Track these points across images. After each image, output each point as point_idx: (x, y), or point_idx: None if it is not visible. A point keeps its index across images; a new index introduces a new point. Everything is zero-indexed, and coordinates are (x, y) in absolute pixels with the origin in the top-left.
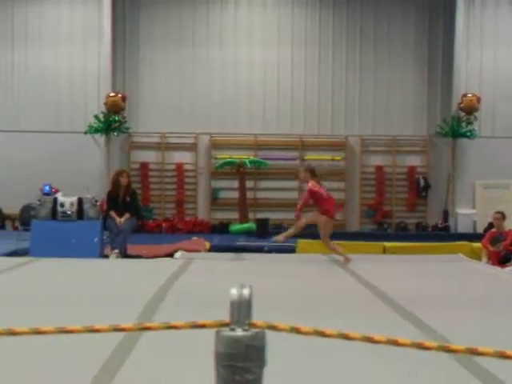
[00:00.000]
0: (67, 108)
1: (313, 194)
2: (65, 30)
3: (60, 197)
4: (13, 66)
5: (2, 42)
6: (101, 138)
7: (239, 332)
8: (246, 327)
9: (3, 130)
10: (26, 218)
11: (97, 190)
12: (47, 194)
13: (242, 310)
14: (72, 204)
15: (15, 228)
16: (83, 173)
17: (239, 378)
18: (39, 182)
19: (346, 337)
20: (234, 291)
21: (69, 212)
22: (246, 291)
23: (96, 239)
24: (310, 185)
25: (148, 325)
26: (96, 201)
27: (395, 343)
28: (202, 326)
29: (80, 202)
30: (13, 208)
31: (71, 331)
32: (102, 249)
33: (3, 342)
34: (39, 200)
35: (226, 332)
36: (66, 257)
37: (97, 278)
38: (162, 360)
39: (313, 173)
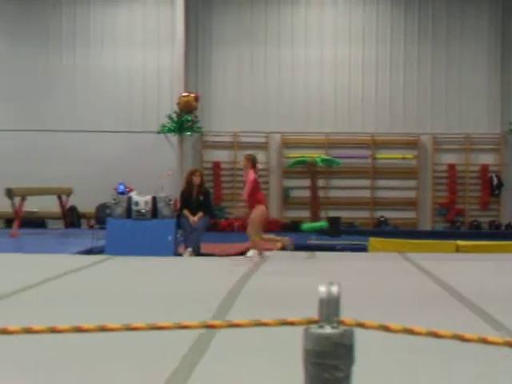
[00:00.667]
0: (140, 108)
1: (255, 183)
2: (138, 31)
3: (135, 196)
4: (88, 68)
5: (79, 45)
6: (174, 138)
7: (328, 329)
8: (335, 325)
9: (77, 130)
10: (101, 216)
11: (170, 189)
12: (121, 193)
13: (330, 307)
14: (146, 203)
15: (90, 226)
16: (156, 172)
17: (328, 375)
18: (114, 181)
19: (435, 335)
20: (322, 289)
21: (143, 211)
22: (334, 289)
23: (170, 238)
24: (253, 174)
25: (236, 322)
26: (170, 200)
27: (485, 341)
28: (291, 324)
29: (154, 200)
30: (88, 207)
31: (162, 327)
32: (176, 247)
33: (96, 337)
34: (114, 199)
35: (315, 329)
36: (140, 255)
37: (171, 276)
38: (243, 357)
39: (253, 163)
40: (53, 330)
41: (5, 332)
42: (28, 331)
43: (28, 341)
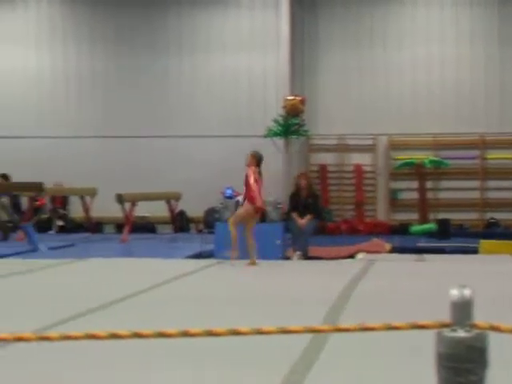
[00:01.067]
0: (246, 112)
1: (253, 183)
2: (245, 35)
3: (242, 200)
4: (195, 73)
5: (186, 50)
6: (280, 141)
7: (461, 333)
8: (468, 328)
9: (186, 136)
10: (209, 220)
11: (277, 192)
12: (229, 198)
13: (463, 310)
14: None
15: (199, 231)
16: (263, 176)
17: (462, 379)
18: (221, 185)
19: None
20: (454, 292)
21: None
22: (467, 292)
23: (278, 241)
24: (250, 171)
25: (369, 325)
26: (278, 203)
27: None
28: (423, 327)
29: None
30: (196, 211)
31: (265, 332)
32: (284, 250)
33: (203, 342)
34: (222, 203)
35: (448, 333)
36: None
37: (280, 279)
38: (374, 359)
39: (258, 160)
40: (161, 335)
41: (115, 336)
42: (137, 335)
43: (138, 344)
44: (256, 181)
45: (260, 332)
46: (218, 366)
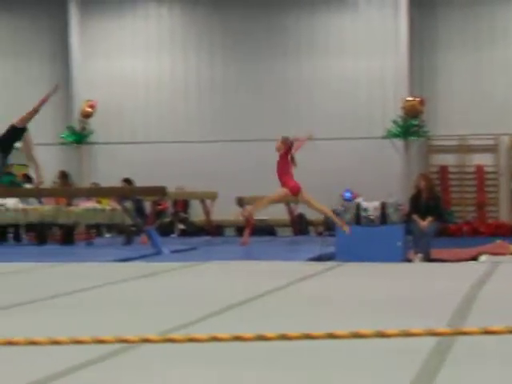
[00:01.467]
0: (365, 114)
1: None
2: (363, 36)
3: (363, 202)
4: (313, 76)
5: (304, 53)
6: (399, 143)
7: None
8: None
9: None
10: (330, 223)
11: (397, 194)
12: (348, 200)
13: None
14: (375, 209)
15: (319, 233)
16: (382, 178)
17: None
18: (340, 188)
19: None
20: None
21: (372, 217)
22: None
23: (399, 243)
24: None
25: (492, 328)
26: (399, 205)
27: None
28: None
29: (383, 206)
30: (316, 214)
31: (388, 335)
32: (405, 253)
33: (324, 344)
34: (343, 205)
35: None
36: (369, 261)
37: (401, 282)
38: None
39: (288, 148)
40: (284, 337)
41: (239, 339)
42: (261, 338)
43: (261, 346)
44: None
45: (382, 335)
46: (337, 369)
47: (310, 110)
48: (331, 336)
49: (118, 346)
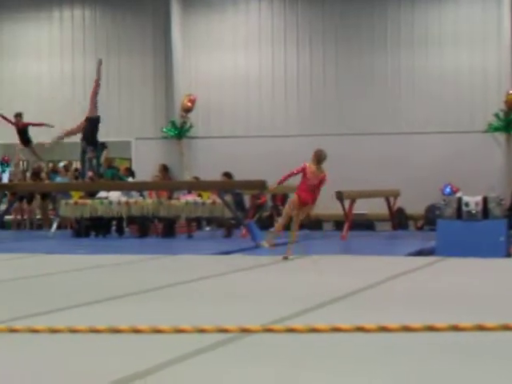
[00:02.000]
0: (467, 108)
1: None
2: (464, 30)
3: (465, 196)
4: (414, 68)
5: (404, 46)
6: (501, 137)
7: None
8: None
9: (402, 133)
10: (430, 218)
11: (500, 188)
12: (448, 195)
13: None
14: (477, 203)
15: (418, 228)
16: (483, 172)
17: None
18: (440, 182)
19: None
20: None
21: (474, 211)
22: None
23: (502, 238)
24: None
25: None
26: (501, 199)
27: None
28: None
29: (485, 201)
30: (415, 208)
31: (488, 328)
32: (508, 248)
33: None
34: (444, 200)
35: None
36: (471, 256)
37: (502, 278)
38: None
39: (317, 159)
40: (383, 329)
41: (337, 330)
42: (359, 330)
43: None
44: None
45: (481, 328)
46: (436, 361)
47: (410, 103)
48: (429, 328)
49: (219, 336)
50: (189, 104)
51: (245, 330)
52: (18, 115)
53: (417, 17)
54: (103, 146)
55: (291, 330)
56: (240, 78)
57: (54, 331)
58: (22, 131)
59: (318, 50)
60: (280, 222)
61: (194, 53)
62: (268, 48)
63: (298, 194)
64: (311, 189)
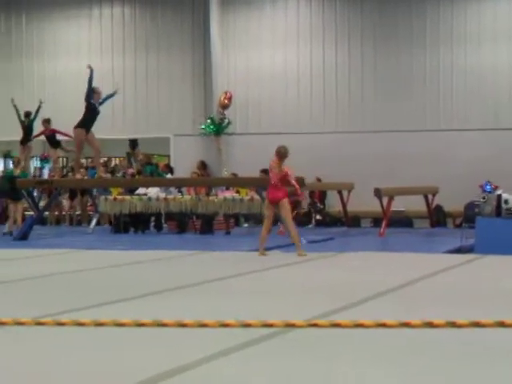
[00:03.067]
0: (506, 104)
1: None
2: (503, 27)
3: (504, 194)
4: (452, 66)
5: (442, 43)
6: None
7: None
8: None
9: (441, 129)
10: (469, 215)
11: None
12: (488, 192)
13: None
14: None
15: (456, 225)
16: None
17: None
18: (478, 179)
19: None
20: None
21: None
22: None
23: None
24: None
25: None
26: None
27: None
28: None
29: None
30: (454, 206)
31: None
32: None
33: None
34: (483, 197)
35: None
36: (510, 254)
37: None
38: None
39: (278, 156)
40: (428, 325)
41: (383, 325)
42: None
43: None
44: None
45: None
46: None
47: (448, 100)
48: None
49: (264, 330)
50: (226, 101)
51: (289, 325)
52: (46, 121)
53: (456, 14)
54: (134, 142)
55: (336, 325)
56: (278, 75)
57: (99, 324)
58: (50, 136)
59: (356, 48)
60: (263, 225)
61: (232, 50)
62: (306, 45)
63: (266, 193)
64: (275, 186)
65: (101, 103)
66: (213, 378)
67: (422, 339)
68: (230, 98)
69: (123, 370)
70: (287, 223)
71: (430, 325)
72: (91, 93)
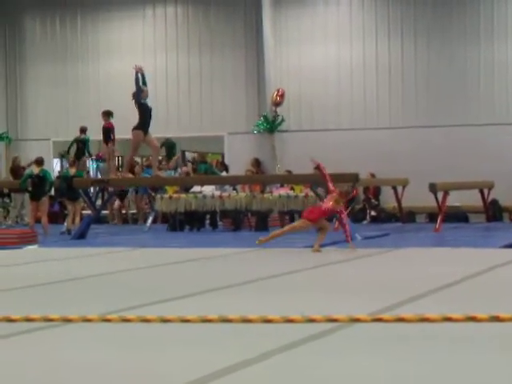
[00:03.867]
0: None
1: None
2: None
3: None
4: (507, 60)
5: (497, 38)
6: None
7: None
8: None
9: (496, 123)
10: None
11: None
12: None
13: None
14: None
15: None
16: None
17: None
18: None
19: None
20: None
21: None
22: None
23: None
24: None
25: None
26: None
27: None
28: None
29: None
30: (510, 200)
31: None
32: None
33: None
34: None
35: None
36: None
37: None
38: None
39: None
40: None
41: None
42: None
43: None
44: None
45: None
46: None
47: (503, 94)
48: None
49: (328, 325)
50: (278, 98)
51: (354, 320)
52: (106, 114)
53: (510, 7)
54: (169, 141)
55: (401, 320)
56: (331, 72)
57: (165, 321)
58: (105, 131)
59: (409, 43)
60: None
61: (284, 47)
62: (359, 41)
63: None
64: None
65: (144, 83)
66: (279, 371)
67: (488, 332)
68: (282, 95)
69: (188, 365)
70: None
71: (496, 319)
72: (140, 92)
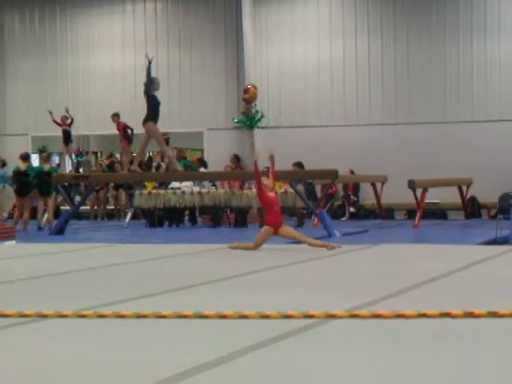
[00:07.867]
0: None
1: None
2: None
3: None
4: (485, 57)
5: (476, 34)
6: None
7: None
8: None
9: (474, 121)
10: (504, 206)
11: None
12: None
13: None
14: None
15: (491, 217)
16: None
17: None
18: None
19: None
20: None
21: None
22: None
23: None
24: None
25: None
26: None
27: None
28: None
29: None
30: (488, 197)
31: None
32: None
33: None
34: None
35: None
36: None
37: None
38: None
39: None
40: (469, 315)
41: (424, 316)
42: (445, 315)
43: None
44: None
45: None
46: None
47: (482, 91)
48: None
49: (305, 321)
50: (243, 94)
51: (330, 316)
52: (116, 115)
53: (489, 3)
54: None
55: (377, 316)
56: (311, 69)
57: (140, 317)
58: (124, 130)
59: (388, 39)
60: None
61: (264, 44)
62: (338, 38)
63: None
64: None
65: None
66: (254, 368)
67: (464, 328)
68: (246, 91)
69: (163, 361)
70: (306, 241)
71: (471, 315)
72: (151, 85)
